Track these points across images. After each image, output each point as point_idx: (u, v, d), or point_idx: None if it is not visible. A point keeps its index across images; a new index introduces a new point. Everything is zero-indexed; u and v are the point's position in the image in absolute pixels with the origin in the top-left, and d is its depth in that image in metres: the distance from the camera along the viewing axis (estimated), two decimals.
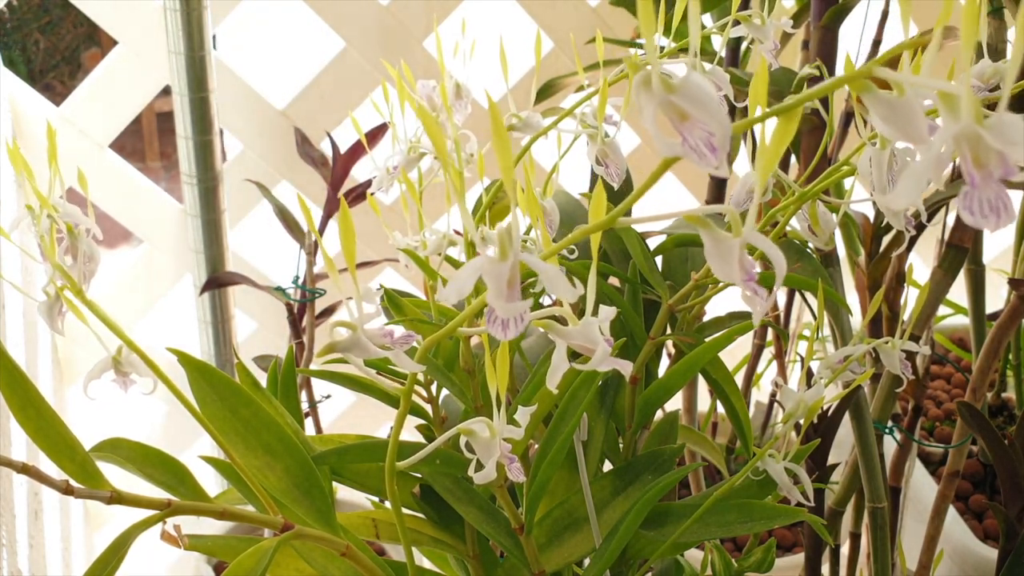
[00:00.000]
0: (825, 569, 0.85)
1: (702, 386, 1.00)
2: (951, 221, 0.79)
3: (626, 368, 0.37)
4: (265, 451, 0.51)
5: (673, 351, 0.74)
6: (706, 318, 0.69)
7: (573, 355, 0.38)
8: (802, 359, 0.61)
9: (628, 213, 0.32)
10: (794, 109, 0.28)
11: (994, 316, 0.86)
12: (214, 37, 1.01)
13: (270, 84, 1.24)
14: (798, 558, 0.99)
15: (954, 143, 0.26)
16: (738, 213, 0.31)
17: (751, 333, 1.09)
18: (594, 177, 0.72)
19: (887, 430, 0.80)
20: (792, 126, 0.28)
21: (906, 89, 0.27)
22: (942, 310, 1.17)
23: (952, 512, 0.97)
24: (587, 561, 0.60)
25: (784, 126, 0.28)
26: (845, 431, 0.76)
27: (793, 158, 0.89)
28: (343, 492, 1.04)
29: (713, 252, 0.30)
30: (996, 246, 1.49)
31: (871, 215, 0.81)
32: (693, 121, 0.28)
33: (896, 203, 0.26)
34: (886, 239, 0.81)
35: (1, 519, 0.71)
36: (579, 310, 0.38)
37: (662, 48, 0.57)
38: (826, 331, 0.78)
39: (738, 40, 0.92)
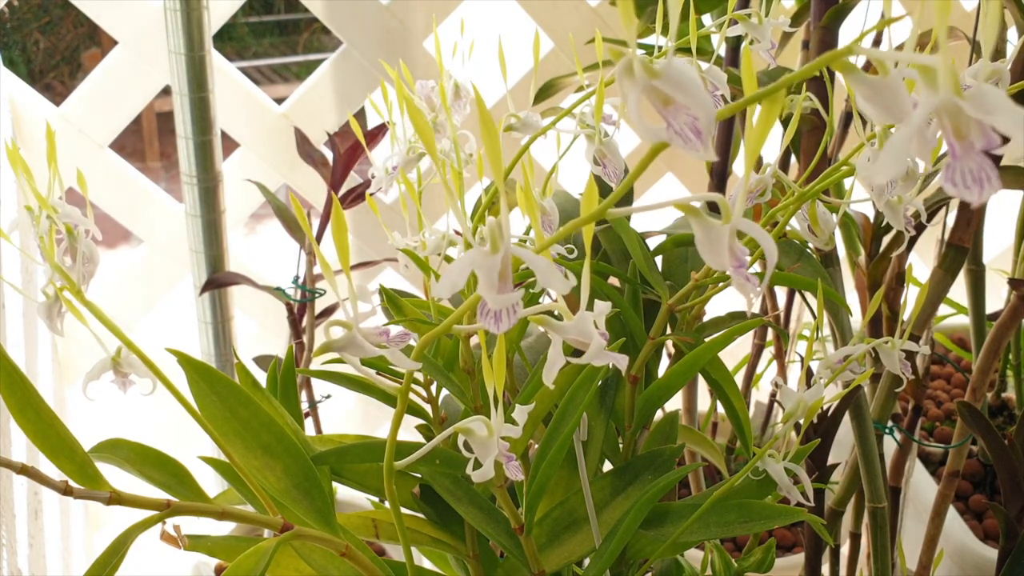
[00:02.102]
0: (825, 569, 0.85)
1: (702, 386, 1.00)
2: (951, 221, 0.79)
3: (621, 362, 0.37)
4: (264, 451, 0.51)
5: (673, 351, 0.74)
6: (706, 318, 0.69)
7: (573, 352, 0.38)
8: (802, 359, 0.61)
9: (622, 207, 0.32)
10: (778, 91, 0.28)
11: (994, 316, 0.86)
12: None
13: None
14: (798, 558, 0.99)
15: (935, 116, 0.26)
16: (727, 201, 0.31)
17: (751, 333, 1.09)
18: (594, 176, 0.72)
19: (887, 430, 0.80)
20: (777, 108, 0.28)
21: (889, 68, 0.27)
22: (942, 310, 1.17)
23: (952, 512, 0.97)
24: (587, 561, 0.60)
25: (769, 107, 0.28)
26: (845, 431, 0.76)
27: (793, 158, 0.89)
28: (343, 492, 1.04)
29: (703, 240, 0.30)
30: (996, 246, 1.49)
31: (871, 215, 0.81)
32: (677, 106, 0.28)
33: (878, 178, 0.26)
34: (886, 239, 0.81)
35: (1, 519, 0.71)
36: (577, 308, 0.38)
37: (660, 48, 0.57)
38: (826, 331, 0.78)
39: (738, 39, 0.92)
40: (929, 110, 0.26)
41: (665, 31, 0.55)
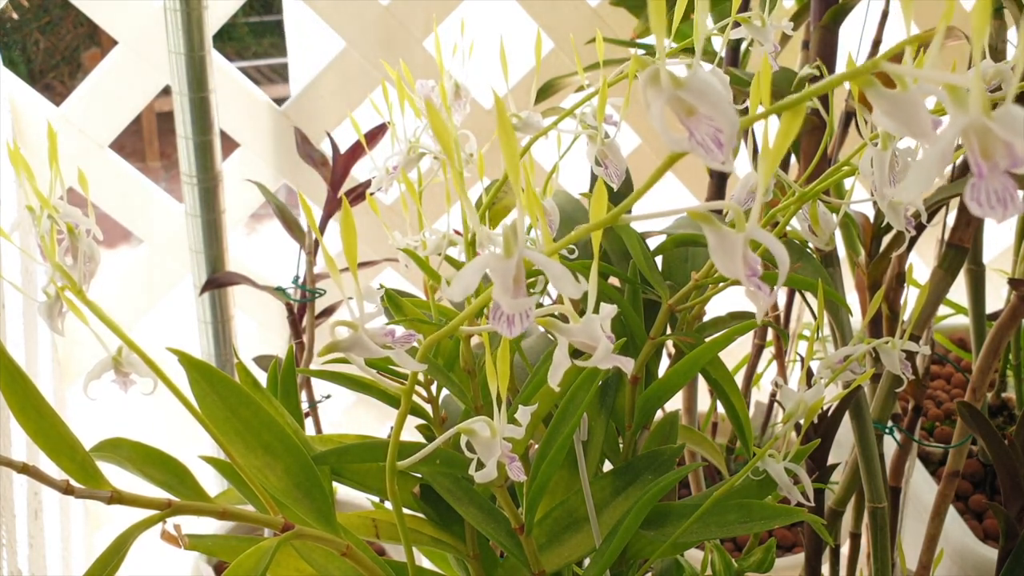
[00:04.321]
0: (825, 569, 0.85)
1: (702, 386, 1.00)
2: (951, 221, 0.79)
3: (627, 365, 0.37)
4: (265, 451, 0.51)
5: (673, 351, 0.74)
6: (706, 318, 0.69)
7: (575, 354, 0.38)
8: (802, 359, 0.61)
9: (629, 212, 0.32)
10: (799, 105, 0.28)
11: (994, 316, 0.86)
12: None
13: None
14: (798, 558, 0.99)
15: (962, 136, 0.26)
16: (740, 210, 0.31)
17: (751, 333, 1.09)
18: (594, 177, 0.72)
19: (887, 430, 0.80)
20: (797, 121, 0.28)
21: (909, 84, 0.27)
22: (942, 310, 1.17)
23: (952, 512, 0.97)
24: (587, 561, 0.60)
25: (789, 121, 0.28)
26: (845, 431, 0.76)
27: (793, 158, 0.89)
28: (343, 492, 1.04)
29: (717, 248, 0.30)
30: (996, 246, 1.49)
31: (871, 215, 0.81)
32: (700, 116, 0.28)
33: (905, 195, 0.26)
34: (886, 239, 0.81)
35: (1, 519, 0.71)
36: (579, 311, 0.38)
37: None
38: (826, 331, 0.78)
39: (738, 41, 0.92)
40: (958, 130, 0.26)
41: (668, 32, 0.55)
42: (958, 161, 0.79)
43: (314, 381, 1.06)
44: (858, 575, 0.87)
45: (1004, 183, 0.26)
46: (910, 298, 0.84)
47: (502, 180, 0.61)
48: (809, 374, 0.62)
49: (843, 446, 0.82)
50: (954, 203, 0.79)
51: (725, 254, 0.30)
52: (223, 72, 1.14)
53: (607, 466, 0.63)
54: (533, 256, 0.31)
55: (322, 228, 1.01)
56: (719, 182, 0.97)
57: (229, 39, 4.68)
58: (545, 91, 1.08)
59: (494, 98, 0.29)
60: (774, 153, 0.28)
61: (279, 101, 1.22)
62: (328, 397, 1.08)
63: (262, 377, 0.61)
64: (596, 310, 0.37)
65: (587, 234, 0.32)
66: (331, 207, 1.00)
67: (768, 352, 1.12)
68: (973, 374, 0.81)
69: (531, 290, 0.61)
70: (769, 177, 0.29)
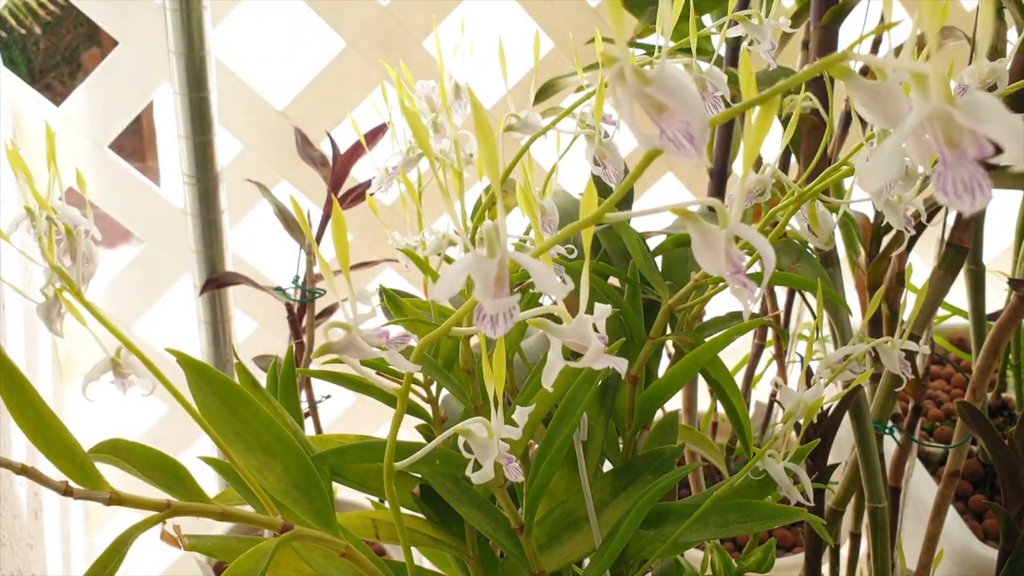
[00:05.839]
0: (825, 569, 0.85)
1: (702, 386, 1.00)
2: (951, 221, 0.79)
3: (620, 365, 0.37)
4: (264, 451, 0.51)
5: (673, 351, 0.74)
6: (706, 318, 0.69)
7: (572, 355, 0.38)
8: (802, 359, 0.61)
9: (628, 208, 0.32)
10: (772, 98, 0.27)
11: (994, 316, 0.86)
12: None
13: (270, 84, 1.24)
14: (798, 558, 0.99)
15: (926, 124, 0.25)
16: (728, 207, 0.30)
17: (751, 333, 1.09)
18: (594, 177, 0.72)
19: (887, 430, 0.80)
20: (773, 112, 0.28)
21: (889, 74, 0.27)
22: (941, 311, 1.17)
23: (952, 512, 0.97)
24: (587, 561, 0.60)
25: (766, 111, 0.28)
26: (845, 431, 0.76)
27: (793, 158, 0.89)
28: (343, 492, 1.04)
29: (700, 245, 0.30)
30: (996, 246, 1.49)
31: (871, 215, 0.81)
32: (671, 112, 0.27)
33: (868, 185, 0.26)
34: (886, 239, 0.81)
35: (1, 519, 0.71)
36: (576, 310, 0.38)
37: (660, 47, 0.56)
38: (826, 331, 0.78)
39: (738, 40, 0.92)
40: (920, 118, 0.25)
41: (664, 31, 0.55)
42: None
43: (314, 381, 1.06)
44: (858, 575, 0.87)
45: (972, 171, 0.25)
46: (910, 298, 0.84)
47: (501, 180, 0.61)
48: (809, 374, 0.61)
49: (843, 446, 0.82)
50: None
51: (708, 250, 0.30)
52: (223, 72, 1.14)
53: (607, 466, 0.63)
54: (517, 256, 0.31)
55: (322, 228, 1.01)
56: (718, 181, 0.97)
57: None
58: (545, 91, 1.08)
59: (473, 106, 0.29)
60: (753, 139, 0.28)
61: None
62: (328, 397, 1.08)
63: (262, 377, 0.61)
64: (589, 310, 0.37)
65: (578, 231, 0.32)
66: (331, 207, 1.00)
67: (768, 352, 1.12)
68: (973, 374, 0.81)
69: (531, 290, 0.61)
70: (749, 168, 0.29)
